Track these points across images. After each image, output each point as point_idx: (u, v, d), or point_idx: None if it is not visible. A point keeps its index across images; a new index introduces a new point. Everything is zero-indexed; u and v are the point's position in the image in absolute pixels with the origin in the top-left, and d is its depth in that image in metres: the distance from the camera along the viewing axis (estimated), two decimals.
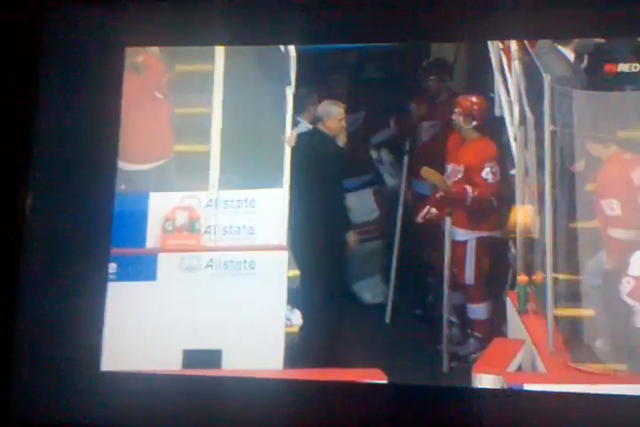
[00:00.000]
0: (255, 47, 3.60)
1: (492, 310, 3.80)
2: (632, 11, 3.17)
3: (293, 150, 3.69)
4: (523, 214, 3.63)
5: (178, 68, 3.67)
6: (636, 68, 3.40)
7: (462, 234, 3.87)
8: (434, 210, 3.86)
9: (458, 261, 3.85)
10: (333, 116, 3.82)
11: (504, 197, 3.76)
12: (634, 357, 3.26)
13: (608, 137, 3.47)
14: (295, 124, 3.77)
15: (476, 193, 3.82)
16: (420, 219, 3.89)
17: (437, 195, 3.85)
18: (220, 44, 3.59)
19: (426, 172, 3.87)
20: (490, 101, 3.85)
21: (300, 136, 3.75)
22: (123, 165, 3.49)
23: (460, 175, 3.86)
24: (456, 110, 3.85)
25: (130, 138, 3.48)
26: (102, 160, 3.36)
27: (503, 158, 3.82)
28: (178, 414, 3.07)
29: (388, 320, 3.86)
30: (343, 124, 3.82)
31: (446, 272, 3.77)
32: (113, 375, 3.17)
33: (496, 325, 3.66)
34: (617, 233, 3.45)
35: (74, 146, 3.36)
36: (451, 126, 3.89)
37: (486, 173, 3.80)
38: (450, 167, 3.88)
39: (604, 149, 3.50)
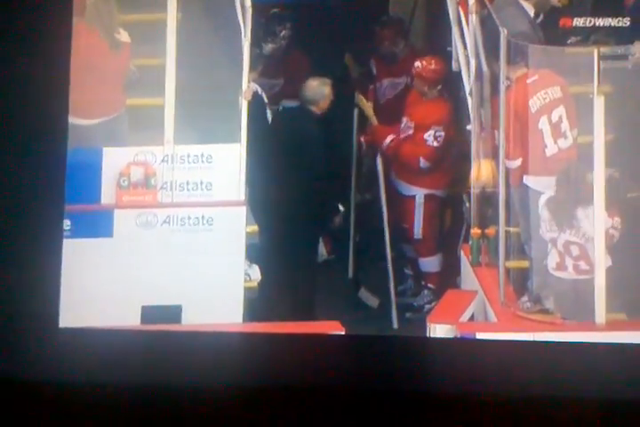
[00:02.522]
0: None
1: (444, 262, 3.88)
2: None
3: (275, 127, 3.70)
4: (477, 170, 3.69)
5: (129, 17, 3.55)
6: (590, 22, 3.43)
7: (409, 188, 3.92)
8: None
9: (407, 216, 3.90)
10: (326, 96, 3.78)
11: (458, 152, 3.80)
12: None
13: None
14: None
15: (393, 143, 3.85)
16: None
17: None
18: None
19: (362, 100, 3.89)
20: (447, 56, 3.85)
21: (286, 113, 3.76)
22: (73, 119, 3.40)
23: (410, 131, 3.89)
24: (417, 79, 3.83)
25: (79, 91, 3.38)
26: (52, 114, 3.25)
27: (455, 121, 3.85)
28: (138, 369, 3.08)
29: (350, 274, 3.93)
30: (332, 98, 3.79)
31: (386, 221, 3.82)
32: (72, 331, 3.16)
33: (449, 277, 3.75)
34: (510, 164, 3.55)
35: (22, 99, 3.24)
36: (411, 87, 3.91)
37: (428, 135, 3.84)
38: (404, 120, 3.91)
39: (513, 72, 3.55)
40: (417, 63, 3.83)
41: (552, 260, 3.45)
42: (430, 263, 3.90)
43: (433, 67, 3.81)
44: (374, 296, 3.83)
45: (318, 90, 3.77)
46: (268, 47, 3.90)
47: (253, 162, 3.55)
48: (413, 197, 3.89)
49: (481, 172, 3.63)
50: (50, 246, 3.16)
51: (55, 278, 3.17)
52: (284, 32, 3.95)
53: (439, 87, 3.84)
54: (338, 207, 3.85)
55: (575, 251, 3.41)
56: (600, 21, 3.46)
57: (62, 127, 3.29)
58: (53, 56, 3.26)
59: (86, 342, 3.10)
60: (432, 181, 3.87)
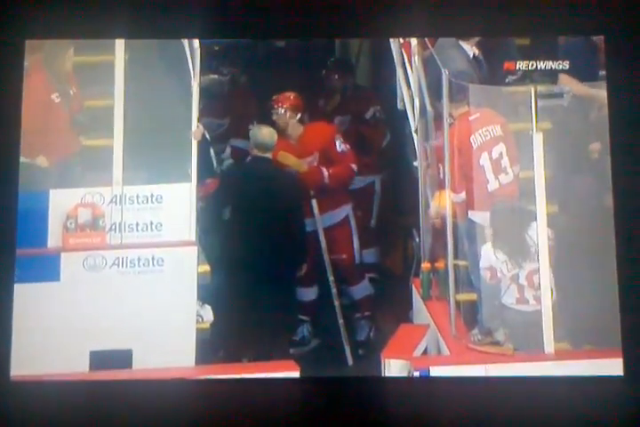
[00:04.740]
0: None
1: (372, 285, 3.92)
2: (523, 11, 3.33)
3: (235, 178, 3.75)
4: (425, 204, 3.77)
5: (80, 60, 3.52)
6: (533, 65, 3.58)
7: (337, 214, 3.96)
8: None
9: (342, 243, 3.94)
10: (276, 142, 3.81)
11: (409, 186, 3.87)
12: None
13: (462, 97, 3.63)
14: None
15: (330, 171, 3.92)
16: None
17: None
18: (121, 38, 3.48)
19: (281, 156, 3.89)
20: (393, 95, 3.96)
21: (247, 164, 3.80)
22: (24, 159, 3.32)
23: (315, 162, 3.95)
24: (279, 108, 3.89)
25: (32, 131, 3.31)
26: (4, 157, 3.19)
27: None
28: (90, 418, 3.01)
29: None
30: None
31: (327, 261, 3.85)
32: (22, 382, 3.06)
33: (402, 311, 3.78)
34: (455, 197, 3.65)
35: None
36: (352, 121, 3.99)
37: (338, 146, 3.93)
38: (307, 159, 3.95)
39: (455, 109, 3.67)
40: (276, 97, 3.92)
41: (511, 296, 3.53)
42: (360, 289, 3.94)
43: (291, 95, 3.92)
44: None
45: (270, 137, 3.81)
46: (209, 80, 3.91)
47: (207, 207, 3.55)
48: (346, 217, 3.92)
49: (442, 203, 3.70)
50: (1, 295, 3.07)
51: (6, 330, 3.07)
52: (226, 68, 3.98)
53: (299, 115, 3.93)
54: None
55: (537, 279, 3.49)
56: (542, 64, 3.60)
57: (14, 171, 3.23)
58: (6, 101, 3.22)
59: (38, 393, 3.00)
60: (350, 195, 3.95)
